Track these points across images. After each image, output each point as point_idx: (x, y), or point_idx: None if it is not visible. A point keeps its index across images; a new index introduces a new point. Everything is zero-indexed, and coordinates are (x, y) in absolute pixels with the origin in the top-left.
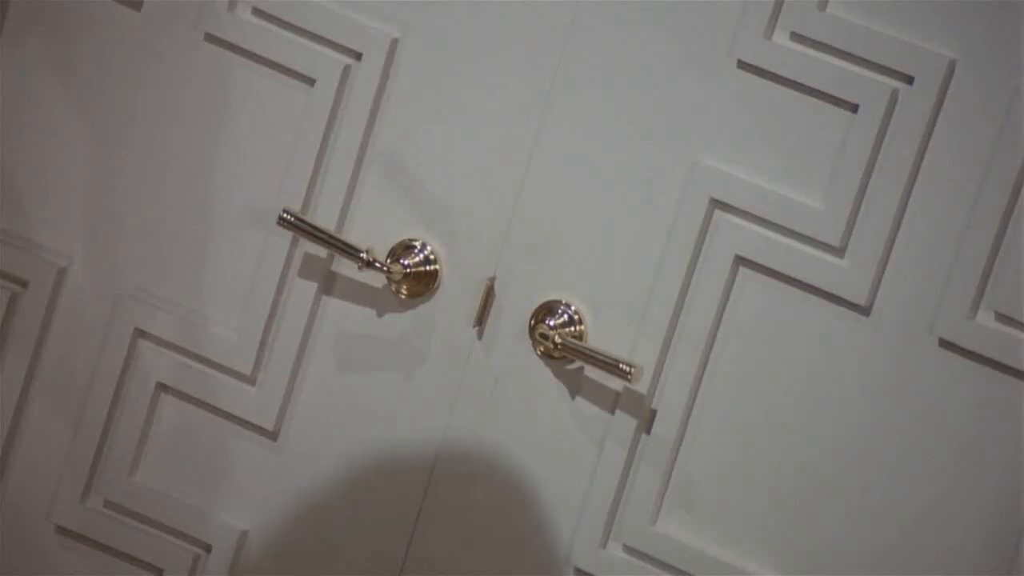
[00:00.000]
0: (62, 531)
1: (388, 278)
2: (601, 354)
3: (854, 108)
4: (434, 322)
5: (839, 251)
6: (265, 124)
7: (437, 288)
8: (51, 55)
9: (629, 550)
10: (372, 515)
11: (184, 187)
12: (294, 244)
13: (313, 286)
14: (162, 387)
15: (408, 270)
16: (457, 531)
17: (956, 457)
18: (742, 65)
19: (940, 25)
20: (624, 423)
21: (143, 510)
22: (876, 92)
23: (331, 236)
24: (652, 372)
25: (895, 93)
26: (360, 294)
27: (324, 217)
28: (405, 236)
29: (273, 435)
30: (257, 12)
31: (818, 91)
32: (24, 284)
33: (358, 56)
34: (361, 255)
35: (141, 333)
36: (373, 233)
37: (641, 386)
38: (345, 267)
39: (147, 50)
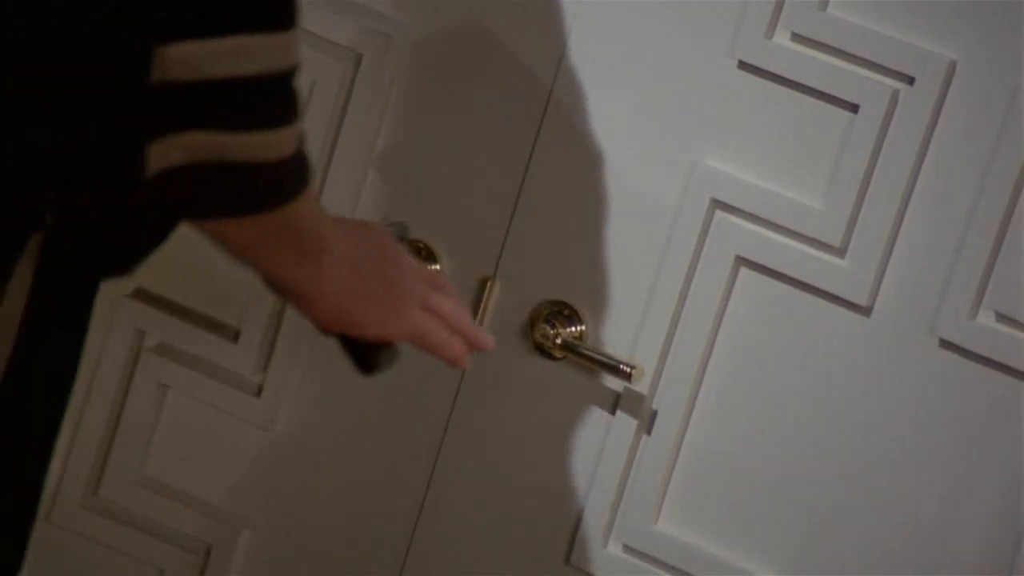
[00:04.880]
0: (62, 531)
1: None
2: (601, 354)
3: (854, 108)
4: None
5: (839, 251)
6: None
7: None
8: None
9: (629, 550)
10: (372, 515)
11: None
12: None
13: None
14: (164, 388)
15: None
16: (457, 531)
17: (956, 457)
18: (743, 65)
19: (940, 25)
20: (624, 423)
21: (144, 510)
22: (876, 92)
23: None
24: (652, 372)
25: (895, 93)
26: None
27: None
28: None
29: (274, 436)
30: None
31: (818, 91)
32: None
33: (359, 57)
34: None
35: (142, 334)
36: None
37: (641, 386)
38: None
39: None
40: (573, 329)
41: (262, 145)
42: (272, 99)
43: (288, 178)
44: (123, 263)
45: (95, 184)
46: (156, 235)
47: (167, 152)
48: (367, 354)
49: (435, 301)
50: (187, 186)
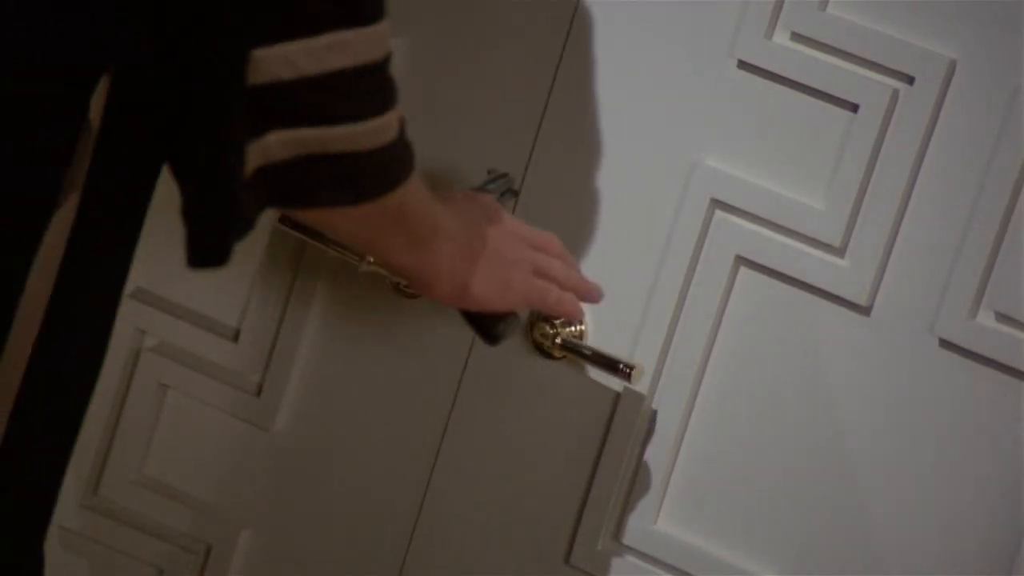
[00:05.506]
0: (62, 531)
1: (389, 278)
2: (601, 354)
3: (854, 108)
4: (434, 321)
5: (839, 251)
6: None
7: None
8: None
9: (629, 550)
10: (372, 515)
11: None
12: (297, 245)
13: (315, 286)
14: (164, 388)
15: None
16: (457, 531)
17: (956, 457)
18: (742, 65)
19: (940, 25)
20: (624, 423)
21: (144, 510)
22: (876, 92)
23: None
24: (652, 372)
25: (895, 93)
26: (361, 294)
27: None
28: None
29: (274, 436)
30: None
31: (818, 91)
32: None
33: None
34: (363, 255)
35: (142, 334)
36: None
37: (641, 386)
38: (347, 267)
39: None
40: (573, 329)
41: (364, 134)
42: (370, 88)
43: (392, 164)
44: (220, 250)
45: (194, 185)
46: (252, 220)
47: (268, 149)
48: (489, 325)
49: (544, 264)
50: (290, 179)
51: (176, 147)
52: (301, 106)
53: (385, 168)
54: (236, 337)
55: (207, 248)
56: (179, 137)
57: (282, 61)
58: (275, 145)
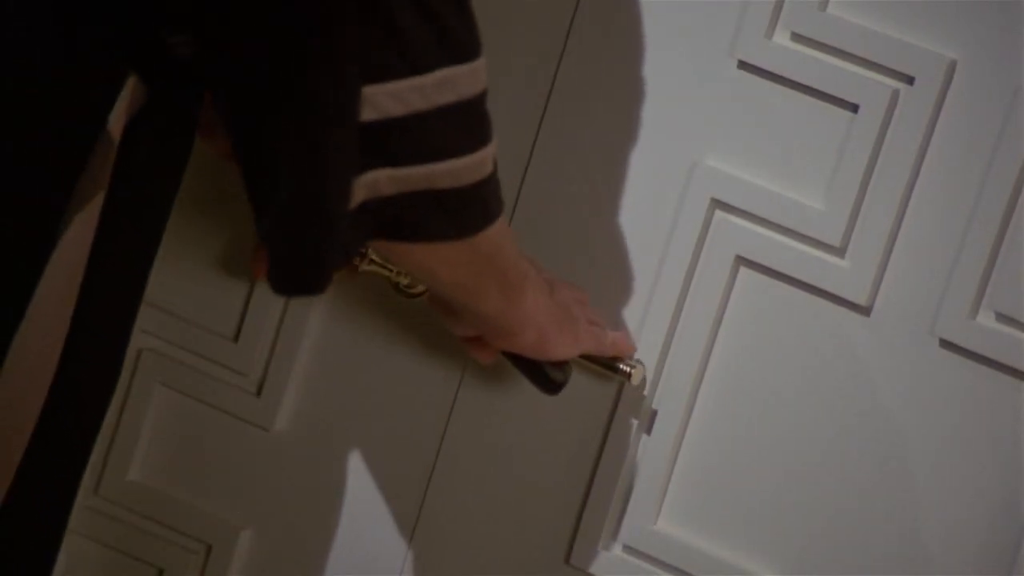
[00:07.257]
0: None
1: (389, 278)
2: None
3: (854, 108)
4: (435, 322)
5: (839, 251)
6: None
7: None
8: None
9: (629, 550)
10: (373, 515)
11: (184, 190)
12: None
13: None
14: (164, 388)
15: None
16: (457, 531)
17: (956, 457)
18: (742, 65)
19: (940, 25)
20: (624, 423)
21: (143, 509)
22: (876, 92)
23: None
24: (652, 372)
25: (895, 93)
26: (361, 294)
27: None
28: None
29: (274, 436)
30: None
31: (818, 91)
32: None
33: None
34: (363, 254)
35: (142, 334)
36: None
37: (641, 386)
38: (347, 267)
39: None
40: None
41: (466, 169)
42: (472, 123)
43: (490, 198)
44: (317, 281)
45: (292, 216)
46: (352, 251)
47: (374, 185)
48: (549, 374)
49: (591, 315)
50: (394, 213)
51: (272, 177)
52: (411, 142)
53: (485, 202)
54: (236, 337)
55: (302, 277)
56: (279, 168)
57: (393, 98)
58: (382, 181)
